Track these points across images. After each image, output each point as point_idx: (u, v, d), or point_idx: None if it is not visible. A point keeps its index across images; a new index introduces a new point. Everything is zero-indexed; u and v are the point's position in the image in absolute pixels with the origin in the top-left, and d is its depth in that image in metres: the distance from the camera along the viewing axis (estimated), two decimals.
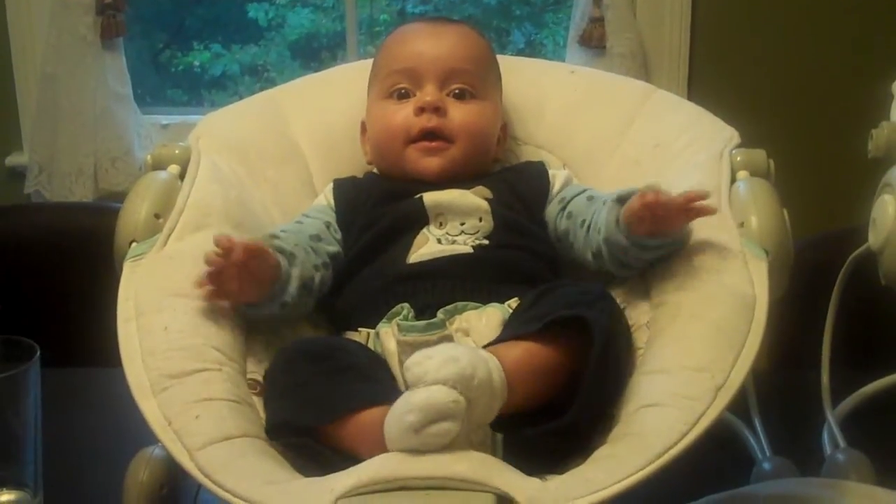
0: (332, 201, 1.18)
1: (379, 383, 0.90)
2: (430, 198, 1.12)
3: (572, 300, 0.90)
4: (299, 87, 1.33)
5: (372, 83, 1.24)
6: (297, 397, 0.89)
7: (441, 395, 0.76)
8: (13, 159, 2.79)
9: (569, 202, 1.14)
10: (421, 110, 1.16)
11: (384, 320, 1.00)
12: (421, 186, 1.14)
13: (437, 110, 1.16)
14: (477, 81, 1.19)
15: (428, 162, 1.16)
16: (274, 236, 1.03)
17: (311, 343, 1.00)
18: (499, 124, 1.23)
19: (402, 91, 1.19)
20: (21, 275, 1.79)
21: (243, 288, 0.96)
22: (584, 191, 1.14)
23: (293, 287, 1.00)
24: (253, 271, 0.96)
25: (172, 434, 0.84)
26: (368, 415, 0.83)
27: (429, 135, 1.16)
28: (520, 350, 0.87)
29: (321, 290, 1.07)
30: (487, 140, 1.20)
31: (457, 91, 1.18)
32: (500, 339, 0.91)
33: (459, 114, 1.17)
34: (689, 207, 0.95)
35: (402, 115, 1.17)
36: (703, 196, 0.95)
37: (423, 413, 0.76)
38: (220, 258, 0.94)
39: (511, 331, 0.92)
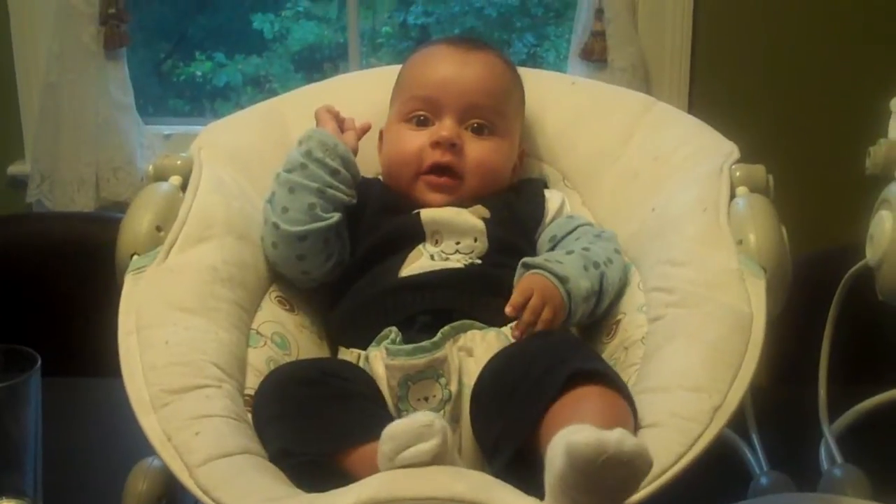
0: None
1: (378, 413, 0.90)
2: (427, 215, 1.13)
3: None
4: (301, 97, 1.32)
5: (394, 100, 1.24)
6: (298, 424, 0.89)
7: (410, 421, 0.77)
8: (15, 168, 2.79)
9: (559, 243, 1.14)
10: (436, 144, 1.16)
11: (373, 344, 1.01)
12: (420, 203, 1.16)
13: (453, 146, 1.16)
14: (497, 117, 1.19)
15: (434, 197, 1.17)
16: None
17: (302, 368, 1.00)
18: (514, 158, 1.22)
19: (422, 118, 1.19)
20: (22, 284, 1.79)
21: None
22: (574, 230, 1.15)
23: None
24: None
25: (172, 450, 0.84)
26: (371, 448, 0.82)
27: (438, 169, 1.16)
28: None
29: (340, 241, 1.12)
30: (499, 176, 1.20)
31: (475, 125, 1.18)
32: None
33: (475, 151, 1.17)
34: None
35: (417, 144, 1.17)
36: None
37: (395, 441, 0.76)
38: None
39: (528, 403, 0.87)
